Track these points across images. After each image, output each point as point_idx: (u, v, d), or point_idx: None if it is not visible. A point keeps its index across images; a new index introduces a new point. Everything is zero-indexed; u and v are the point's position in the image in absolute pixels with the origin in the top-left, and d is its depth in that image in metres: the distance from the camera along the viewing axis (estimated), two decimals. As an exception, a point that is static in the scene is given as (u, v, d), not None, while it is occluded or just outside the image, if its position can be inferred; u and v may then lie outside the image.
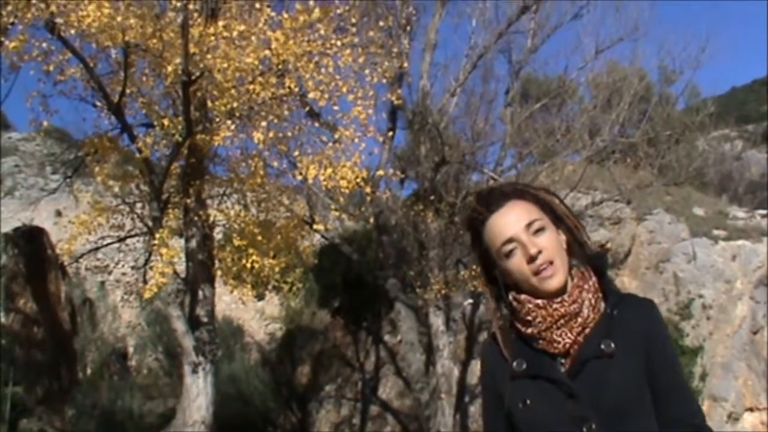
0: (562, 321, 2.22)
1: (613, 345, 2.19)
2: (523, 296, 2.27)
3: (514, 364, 2.28)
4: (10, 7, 10.49)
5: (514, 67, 18.66)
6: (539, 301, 2.24)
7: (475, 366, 19.59)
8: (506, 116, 18.52)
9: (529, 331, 2.26)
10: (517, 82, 18.87)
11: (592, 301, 2.25)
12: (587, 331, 2.23)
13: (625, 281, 21.04)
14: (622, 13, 18.65)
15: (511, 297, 2.30)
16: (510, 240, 2.25)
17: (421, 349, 18.26)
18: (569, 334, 2.23)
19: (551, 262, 2.23)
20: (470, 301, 18.88)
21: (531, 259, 2.22)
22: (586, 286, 2.26)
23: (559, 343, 2.23)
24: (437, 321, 17.31)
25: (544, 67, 21.55)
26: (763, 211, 23.47)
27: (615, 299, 2.28)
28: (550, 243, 2.25)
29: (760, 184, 31.91)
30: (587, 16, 18.26)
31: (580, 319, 2.23)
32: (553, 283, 2.23)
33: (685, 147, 21.91)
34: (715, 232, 21.77)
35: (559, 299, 2.23)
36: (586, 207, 18.77)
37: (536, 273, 2.23)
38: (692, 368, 19.69)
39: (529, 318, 2.25)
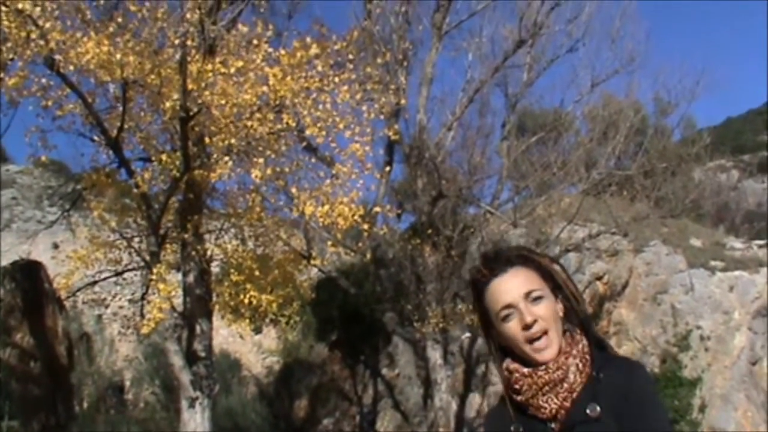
0: (546, 388, 2.28)
1: (599, 409, 2.22)
2: (512, 366, 2.34)
3: (513, 427, 2.34)
4: (9, 44, 10.54)
5: (511, 101, 18.78)
6: (525, 370, 2.30)
7: (473, 399, 19.53)
8: (503, 150, 18.59)
9: (518, 398, 2.33)
10: (513, 116, 18.97)
11: (580, 366, 2.30)
12: (574, 395, 2.27)
13: (623, 313, 21.04)
14: (617, 46, 18.81)
15: (504, 366, 2.37)
16: (508, 306, 2.32)
17: (419, 383, 18.24)
18: (555, 400, 2.27)
19: (546, 333, 2.29)
20: (468, 334, 18.85)
21: (526, 327, 2.28)
22: (574, 352, 2.31)
23: (545, 409, 2.28)
24: (435, 354, 17.27)
25: (540, 100, 21.71)
26: (761, 242, 23.49)
27: (601, 362, 2.32)
28: (547, 312, 2.31)
29: (757, 214, 31.98)
30: (583, 50, 18.42)
31: (566, 385, 2.27)
32: (546, 355, 2.29)
33: (682, 179, 22.00)
34: (713, 263, 21.79)
35: (543, 367, 2.28)
36: (583, 239, 18.81)
37: (530, 341, 2.29)
38: (691, 400, 19.63)
39: (517, 386, 2.32)
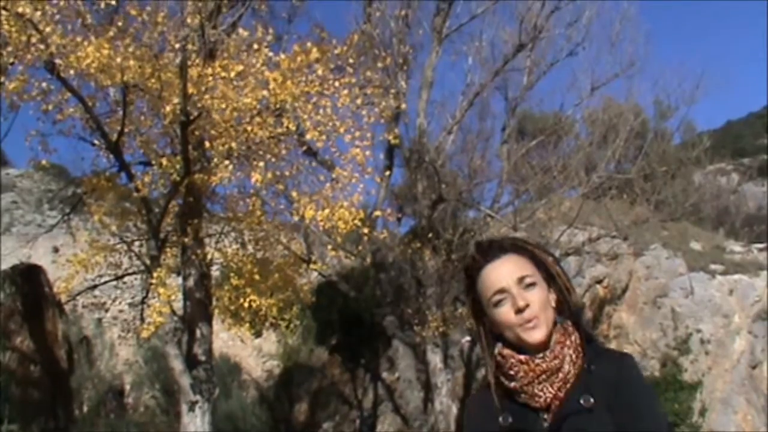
0: (543, 376, 2.30)
1: (592, 400, 2.25)
2: (506, 351, 2.36)
3: (500, 419, 2.35)
4: (10, 48, 10.54)
5: (511, 104, 18.77)
6: (522, 357, 2.32)
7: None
8: (503, 153, 18.59)
9: (512, 385, 2.34)
10: (513, 119, 18.96)
11: (573, 357, 2.33)
12: (568, 386, 2.30)
13: (623, 317, 21.04)
14: (617, 50, 18.81)
15: (496, 351, 2.39)
16: (501, 290, 2.35)
17: (419, 387, 18.22)
18: (550, 389, 2.30)
19: (536, 317, 2.32)
20: (468, 338, 18.84)
21: (518, 311, 2.32)
22: (567, 342, 2.34)
23: (540, 397, 2.30)
24: (435, 358, 17.26)
25: (540, 103, 21.74)
26: (760, 245, 23.50)
27: (592, 354, 2.35)
28: (538, 298, 2.34)
29: (757, 217, 31.97)
30: (582, 53, 18.40)
31: (561, 375, 2.30)
32: (536, 335, 2.31)
33: (682, 182, 21.99)
34: (713, 266, 21.80)
35: (541, 355, 2.31)
36: (583, 243, 18.80)
37: (520, 324, 2.32)
38: (691, 403, 19.63)
39: (512, 372, 2.34)
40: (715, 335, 20.31)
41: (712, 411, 19.64)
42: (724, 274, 21.41)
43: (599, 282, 20.98)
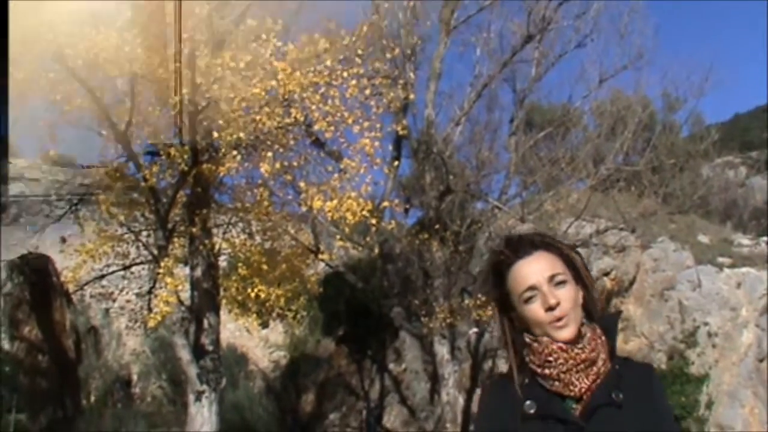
0: (582, 365, 2.33)
1: (622, 396, 2.30)
2: (545, 339, 2.37)
3: (526, 403, 2.36)
4: (19, 38, 10.54)
5: (519, 96, 18.71)
6: (562, 344, 2.34)
7: (480, 395, 19.50)
8: (511, 145, 18.56)
9: (547, 371, 2.36)
10: (521, 111, 18.90)
11: (604, 356, 2.37)
12: (599, 381, 2.34)
13: (630, 309, 20.99)
14: (625, 42, 18.74)
15: (528, 339, 2.40)
16: (532, 287, 2.36)
17: (425, 378, 18.23)
18: (585, 380, 2.33)
19: (566, 315, 2.34)
20: (475, 329, 18.82)
21: (549, 309, 2.34)
22: (599, 341, 2.38)
23: (575, 386, 2.33)
24: (442, 350, 17.27)
25: (549, 95, 21.70)
26: (768, 238, 23.42)
27: (619, 360, 2.41)
28: (569, 296, 2.36)
29: (765, 210, 31.82)
30: (591, 45, 18.34)
31: (595, 368, 2.34)
32: (565, 333, 2.34)
33: (690, 175, 21.93)
34: (720, 259, 21.73)
35: (580, 345, 2.35)
36: (590, 235, 18.76)
37: (551, 322, 2.34)
38: (698, 396, 19.58)
39: (550, 359, 2.35)
40: (722, 328, 20.26)
41: (719, 404, 19.60)
42: (732, 267, 21.35)
43: (606, 274, 20.94)
